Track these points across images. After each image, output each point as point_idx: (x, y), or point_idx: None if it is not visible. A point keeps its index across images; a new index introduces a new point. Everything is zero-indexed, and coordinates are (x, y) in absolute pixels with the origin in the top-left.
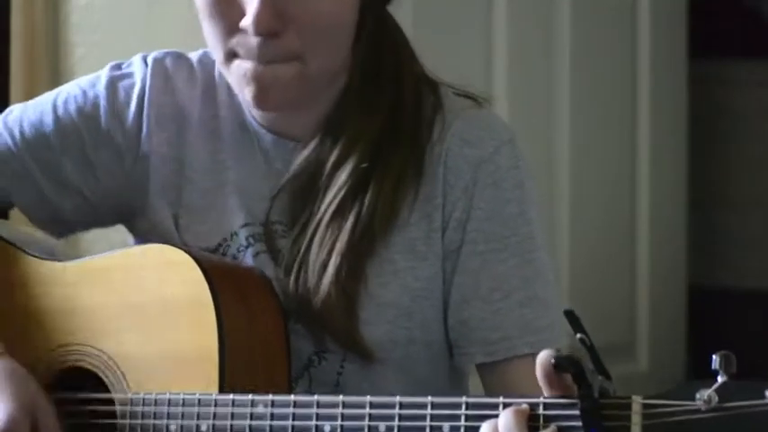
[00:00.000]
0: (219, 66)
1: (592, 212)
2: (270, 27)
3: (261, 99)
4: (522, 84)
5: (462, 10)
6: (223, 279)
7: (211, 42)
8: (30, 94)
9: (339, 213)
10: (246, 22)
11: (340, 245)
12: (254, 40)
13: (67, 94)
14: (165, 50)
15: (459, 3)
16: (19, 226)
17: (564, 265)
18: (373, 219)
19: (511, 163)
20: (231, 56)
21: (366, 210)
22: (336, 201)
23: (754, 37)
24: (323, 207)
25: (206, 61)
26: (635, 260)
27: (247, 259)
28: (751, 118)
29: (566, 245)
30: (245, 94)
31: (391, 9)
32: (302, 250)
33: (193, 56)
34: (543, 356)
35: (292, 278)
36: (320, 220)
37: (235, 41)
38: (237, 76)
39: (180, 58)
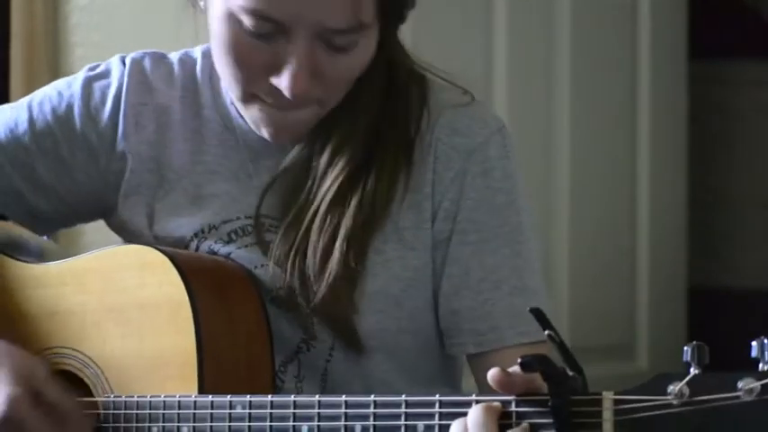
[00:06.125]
0: (234, 99)
1: (592, 212)
2: (307, 92)
3: (277, 138)
4: (522, 84)
5: (462, 10)
6: (200, 277)
7: (227, 79)
8: (29, 94)
9: (339, 200)
10: (283, 84)
11: (344, 230)
12: (283, 99)
13: (43, 95)
14: (145, 51)
15: (459, 3)
16: (8, 228)
17: (564, 266)
18: (374, 205)
19: (501, 153)
20: (251, 97)
21: (366, 196)
22: (334, 188)
23: (754, 37)
24: (320, 195)
25: (187, 61)
26: (635, 260)
27: (227, 251)
28: (751, 118)
29: (566, 245)
30: (262, 132)
31: None
32: (298, 238)
33: (174, 56)
34: (493, 373)
35: (288, 266)
36: (318, 207)
37: (258, 88)
38: (255, 116)
39: (159, 58)
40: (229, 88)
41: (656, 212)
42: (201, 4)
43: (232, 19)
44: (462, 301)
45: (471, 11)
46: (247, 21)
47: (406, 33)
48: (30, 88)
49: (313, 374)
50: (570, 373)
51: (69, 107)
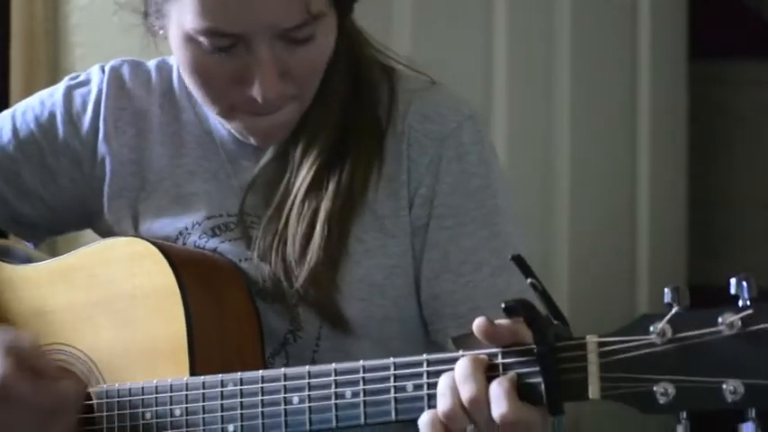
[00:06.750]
0: (214, 116)
1: (592, 212)
2: (280, 93)
3: (265, 142)
4: (522, 84)
5: (462, 10)
6: (189, 267)
7: (203, 99)
8: (30, 94)
9: (316, 187)
10: (256, 93)
11: (323, 214)
12: (261, 106)
13: (26, 105)
14: (123, 58)
15: (459, 3)
16: (9, 243)
17: (564, 265)
18: (351, 189)
19: (474, 138)
20: (229, 111)
21: (343, 181)
22: (310, 176)
23: (754, 37)
24: (296, 185)
25: (163, 67)
26: (635, 260)
27: (212, 245)
28: (751, 118)
29: (565, 245)
30: (249, 140)
31: (390, 8)
32: (279, 229)
33: (151, 63)
34: (478, 322)
35: (272, 257)
36: (295, 197)
37: (233, 100)
38: (239, 128)
39: (137, 65)
40: (207, 107)
41: (656, 212)
42: (161, 32)
43: (190, 41)
44: (443, 284)
45: (471, 11)
46: (204, 40)
47: (407, 34)
48: (30, 88)
49: (301, 365)
50: (555, 322)
51: (52, 115)
